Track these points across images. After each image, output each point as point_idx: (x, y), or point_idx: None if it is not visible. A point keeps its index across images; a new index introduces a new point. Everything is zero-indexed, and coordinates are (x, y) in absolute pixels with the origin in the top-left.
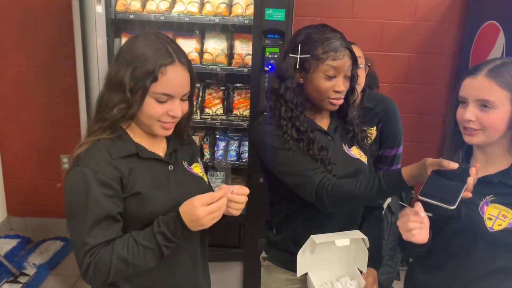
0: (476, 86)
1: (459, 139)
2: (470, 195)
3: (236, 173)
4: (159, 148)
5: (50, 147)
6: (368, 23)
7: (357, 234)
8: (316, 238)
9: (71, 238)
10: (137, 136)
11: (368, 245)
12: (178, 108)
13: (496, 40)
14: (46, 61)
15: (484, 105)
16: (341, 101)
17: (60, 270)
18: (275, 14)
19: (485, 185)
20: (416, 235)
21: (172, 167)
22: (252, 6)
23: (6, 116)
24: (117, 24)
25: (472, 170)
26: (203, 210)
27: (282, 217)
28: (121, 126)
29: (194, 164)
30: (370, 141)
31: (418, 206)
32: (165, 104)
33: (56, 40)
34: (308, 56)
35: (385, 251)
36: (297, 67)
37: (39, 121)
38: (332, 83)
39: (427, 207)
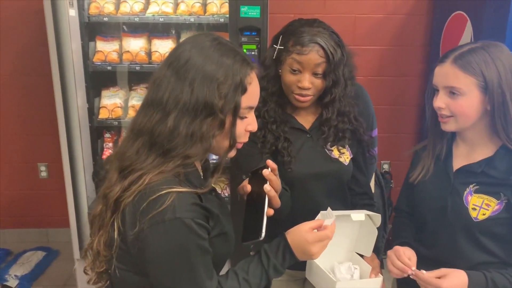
0: (443, 73)
1: (439, 127)
2: (271, 212)
3: (219, 171)
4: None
5: (27, 156)
6: (341, 18)
7: (368, 212)
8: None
9: None
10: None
11: (379, 223)
12: (255, 122)
13: (464, 30)
14: (19, 68)
15: (452, 92)
16: (306, 99)
17: (43, 281)
18: (250, 11)
19: (469, 174)
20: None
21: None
22: (227, 4)
23: None
24: (91, 27)
25: (269, 162)
26: (318, 246)
27: None
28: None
29: None
30: None
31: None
32: (244, 120)
33: (29, 46)
34: (282, 48)
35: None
36: (274, 57)
37: (14, 130)
38: (297, 78)
39: None
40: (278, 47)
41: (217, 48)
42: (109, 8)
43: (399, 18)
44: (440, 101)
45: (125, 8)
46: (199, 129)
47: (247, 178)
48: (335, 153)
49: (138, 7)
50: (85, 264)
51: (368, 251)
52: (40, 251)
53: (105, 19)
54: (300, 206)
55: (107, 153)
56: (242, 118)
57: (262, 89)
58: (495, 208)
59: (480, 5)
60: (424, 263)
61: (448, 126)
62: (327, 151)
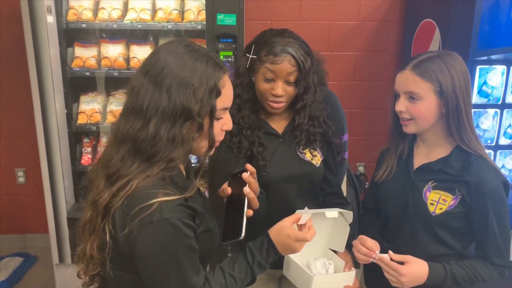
0: (404, 79)
1: (401, 129)
2: (251, 213)
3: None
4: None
5: (5, 162)
6: (316, 25)
7: (341, 210)
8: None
9: None
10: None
11: (351, 220)
12: (230, 121)
13: (433, 37)
14: None
15: (411, 97)
16: (280, 105)
17: (21, 287)
18: (226, 19)
19: (427, 172)
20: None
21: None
22: (204, 12)
23: None
24: (69, 33)
25: (248, 166)
26: (300, 244)
27: None
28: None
29: None
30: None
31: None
32: (220, 120)
33: (7, 52)
34: (255, 57)
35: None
36: (247, 66)
37: None
38: (271, 86)
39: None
40: (251, 56)
41: (190, 54)
42: (87, 15)
43: (372, 25)
44: (401, 105)
45: (103, 15)
46: (179, 133)
47: (227, 181)
48: (308, 156)
49: (116, 14)
50: (78, 268)
51: (341, 247)
52: (18, 257)
53: (83, 25)
54: (276, 207)
55: (85, 158)
56: (218, 119)
57: (236, 96)
58: (451, 203)
59: (447, 14)
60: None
61: (409, 129)
62: (300, 154)
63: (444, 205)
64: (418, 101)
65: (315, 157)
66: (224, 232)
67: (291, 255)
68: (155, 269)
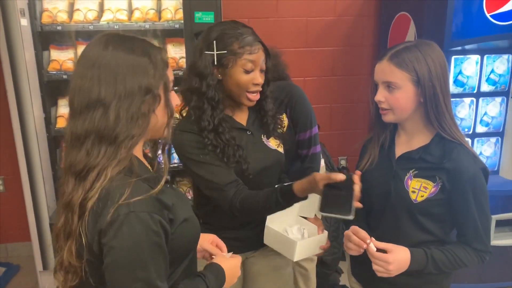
0: (382, 70)
1: (381, 119)
2: (360, 205)
3: (181, 175)
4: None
5: None
6: (293, 21)
7: None
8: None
9: None
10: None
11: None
12: (176, 96)
13: (408, 30)
14: None
15: (389, 86)
16: (258, 96)
17: None
18: (204, 17)
19: (408, 160)
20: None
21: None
22: (181, 11)
23: None
24: (44, 36)
25: (355, 178)
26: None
27: (206, 210)
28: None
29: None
30: (284, 129)
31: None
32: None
33: None
34: (225, 52)
35: (329, 232)
36: (215, 63)
37: None
38: (251, 76)
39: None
40: (216, 52)
41: (124, 39)
42: (62, 17)
43: (348, 19)
44: (380, 95)
45: (78, 16)
46: (138, 110)
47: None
48: (273, 144)
49: (92, 15)
50: (57, 284)
51: (311, 214)
52: (0, 267)
53: (59, 28)
54: None
55: None
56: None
57: (209, 99)
58: (432, 190)
59: (421, 6)
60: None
61: (387, 117)
62: (266, 143)
63: (425, 192)
64: (395, 90)
65: (279, 145)
66: (322, 203)
67: (269, 224)
68: (118, 269)
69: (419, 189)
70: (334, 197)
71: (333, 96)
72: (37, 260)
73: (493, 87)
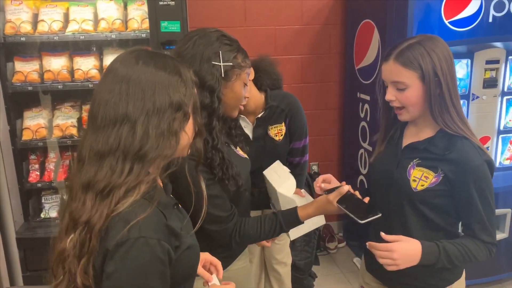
0: (389, 70)
1: (394, 116)
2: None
3: None
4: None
5: None
6: (262, 30)
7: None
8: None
9: None
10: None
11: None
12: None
13: (372, 37)
14: None
15: (398, 85)
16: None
17: None
18: (170, 26)
19: (414, 150)
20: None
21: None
22: (147, 20)
23: None
24: (8, 47)
25: (349, 187)
26: None
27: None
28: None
29: None
30: (282, 137)
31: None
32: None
33: None
34: (231, 64)
35: (301, 237)
36: (222, 76)
37: None
38: (246, 90)
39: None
40: (223, 64)
41: (154, 56)
42: (26, 27)
43: (316, 28)
44: (390, 94)
45: (43, 27)
46: (169, 127)
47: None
48: (241, 152)
49: (57, 26)
50: None
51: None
52: None
53: (23, 39)
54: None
55: (33, 175)
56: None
57: (217, 116)
58: (433, 180)
59: (383, 14)
60: (377, 231)
61: (403, 117)
62: (238, 154)
63: (426, 182)
64: (405, 89)
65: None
66: (357, 215)
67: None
68: None
69: (420, 178)
70: (353, 207)
71: (303, 103)
72: (3, 275)
73: None
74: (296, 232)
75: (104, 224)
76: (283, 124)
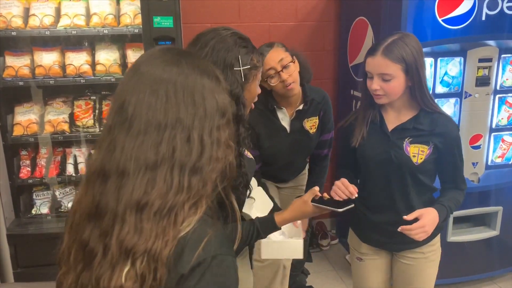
0: (376, 63)
1: (371, 100)
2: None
3: None
4: None
5: None
6: (256, 27)
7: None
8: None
9: None
10: None
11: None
12: None
13: (366, 34)
14: None
15: (384, 77)
16: None
17: None
18: (163, 22)
19: (403, 131)
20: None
21: None
22: (140, 15)
23: None
24: None
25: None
26: None
27: None
28: None
29: None
30: (315, 130)
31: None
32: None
33: None
34: (249, 66)
35: None
36: (243, 80)
37: None
38: (258, 88)
39: None
40: (242, 68)
41: (193, 56)
42: (17, 22)
43: (310, 25)
44: (376, 85)
45: (34, 22)
46: (220, 135)
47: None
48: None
49: (48, 20)
50: None
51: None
52: None
53: (13, 33)
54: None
55: (24, 171)
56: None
57: (243, 123)
58: (427, 152)
59: (377, 12)
60: (379, 208)
61: (382, 100)
62: (247, 156)
63: (423, 155)
64: (390, 80)
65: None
66: (333, 207)
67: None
68: None
69: (418, 153)
70: (327, 202)
71: None
72: None
73: (447, 89)
74: (269, 254)
75: (172, 249)
76: (317, 117)
